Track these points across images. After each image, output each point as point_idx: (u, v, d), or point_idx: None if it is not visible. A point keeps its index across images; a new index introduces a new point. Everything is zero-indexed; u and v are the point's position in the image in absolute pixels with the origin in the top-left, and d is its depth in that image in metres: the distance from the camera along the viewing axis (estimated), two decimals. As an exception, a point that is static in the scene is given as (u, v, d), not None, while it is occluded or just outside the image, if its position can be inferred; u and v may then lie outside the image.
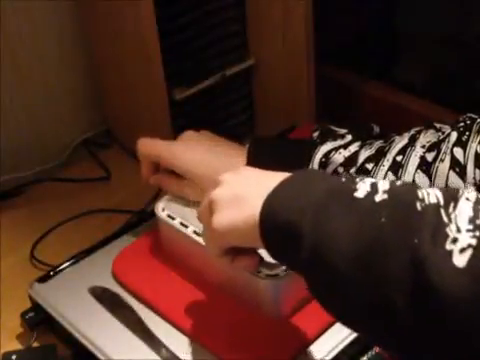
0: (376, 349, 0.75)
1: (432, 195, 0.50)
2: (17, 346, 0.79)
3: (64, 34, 1.03)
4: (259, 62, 1.06)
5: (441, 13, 1.01)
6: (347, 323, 0.56)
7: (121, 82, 1.02)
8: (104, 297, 0.80)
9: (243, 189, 0.62)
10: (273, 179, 0.60)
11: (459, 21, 1.01)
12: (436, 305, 0.46)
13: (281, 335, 0.73)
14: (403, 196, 0.51)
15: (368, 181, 0.54)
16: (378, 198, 0.52)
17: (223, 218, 0.62)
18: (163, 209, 0.81)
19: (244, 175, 0.65)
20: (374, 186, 0.53)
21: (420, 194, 0.51)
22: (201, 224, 0.72)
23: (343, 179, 0.56)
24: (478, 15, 0.98)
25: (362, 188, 0.53)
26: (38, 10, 0.99)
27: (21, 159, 1.03)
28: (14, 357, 0.75)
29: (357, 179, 0.55)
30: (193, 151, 0.81)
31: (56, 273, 0.83)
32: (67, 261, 0.84)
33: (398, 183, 0.54)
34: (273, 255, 0.61)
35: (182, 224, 0.79)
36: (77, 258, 0.85)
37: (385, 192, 0.52)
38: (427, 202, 0.50)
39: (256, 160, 0.80)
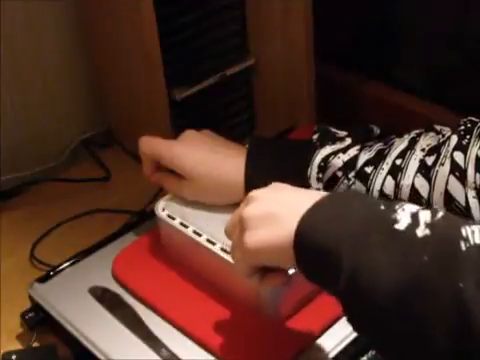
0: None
1: (477, 234, 0.49)
2: (17, 346, 0.79)
3: (64, 34, 1.03)
4: (259, 62, 1.06)
5: (441, 13, 1.01)
6: (381, 352, 0.56)
7: (121, 82, 1.02)
8: (104, 297, 0.80)
9: (276, 207, 0.61)
10: (308, 198, 0.59)
11: (459, 21, 1.01)
12: (478, 352, 0.46)
13: (281, 335, 0.73)
14: (446, 233, 0.50)
15: (408, 210, 0.53)
16: (420, 233, 0.51)
17: (256, 237, 0.61)
18: (163, 209, 0.81)
19: (276, 192, 0.64)
20: (415, 217, 0.52)
21: (464, 232, 0.50)
22: (208, 229, 0.73)
23: (382, 206, 0.55)
24: (478, 15, 0.98)
25: (403, 220, 0.52)
26: (38, 10, 0.99)
27: (21, 159, 1.03)
28: (14, 357, 0.75)
29: (396, 206, 0.54)
30: (193, 151, 0.81)
31: (56, 273, 0.83)
32: (67, 261, 0.84)
33: (440, 215, 0.52)
34: (308, 277, 0.60)
35: (182, 224, 0.79)
36: (77, 258, 0.85)
37: (427, 226, 0.51)
38: (472, 242, 0.49)
39: (255, 161, 0.80)
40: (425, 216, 0.52)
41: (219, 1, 0.99)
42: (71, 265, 0.84)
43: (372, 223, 0.54)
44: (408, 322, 0.49)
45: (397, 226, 0.52)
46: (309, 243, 0.57)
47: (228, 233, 0.68)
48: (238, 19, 1.02)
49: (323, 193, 0.61)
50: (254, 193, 0.64)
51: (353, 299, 0.53)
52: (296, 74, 1.04)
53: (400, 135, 0.79)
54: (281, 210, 0.60)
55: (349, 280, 0.52)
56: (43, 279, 0.82)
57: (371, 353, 0.74)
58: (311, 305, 0.75)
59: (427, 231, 0.51)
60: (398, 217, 0.53)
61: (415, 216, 0.52)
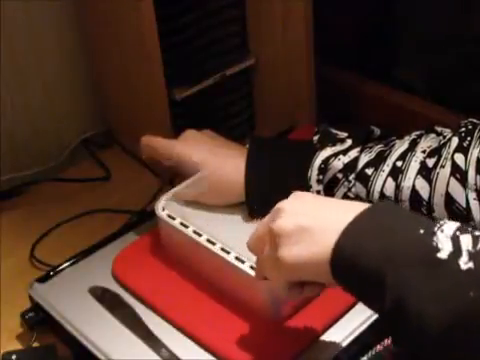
0: (376, 349, 0.75)
1: None
2: (17, 346, 0.79)
3: (64, 34, 1.03)
4: (259, 62, 1.06)
5: (441, 13, 1.01)
6: None
7: (121, 82, 1.02)
8: (104, 297, 0.80)
9: (310, 221, 0.60)
10: (340, 210, 0.59)
11: (459, 21, 1.01)
12: None
13: (281, 335, 0.73)
14: None
15: (447, 231, 0.53)
16: (463, 265, 0.50)
17: (293, 252, 0.60)
18: (163, 208, 0.81)
19: (306, 204, 0.63)
20: (456, 243, 0.52)
21: None
22: (208, 228, 0.73)
23: (421, 230, 0.54)
24: (478, 15, 0.98)
25: (445, 247, 0.52)
26: (38, 10, 0.99)
27: (21, 159, 1.03)
28: (14, 357, 0.75)
29: (435, 228, 0.53)
30: (193, 151, 0.81)
31: (56, 273, 0.83)
32: (67, 261, 0.85)
33: None
34: (348, 291, 0.59)
35: (182, 224, 0.79)
36: (77, 258, 0.85)
37: (470, 257, 0.51)
38: None
39: (255, 162, 0.80)
40: (467, 243, 0.52)
41: (219, 1, 0.99)
42: (71, 265, 0.84)
43: (414, 249, 0.53)
44: (454, 352, 0.50)
45: (439, 255, 0.52)
46: (350, 261, 0.56)
47: (253, 247, 0.67)
48: (238, 19, 1.02)
49: (351, 204, 0.60)
50: (281, 205, 0.63)
51: (399, 324, 0.53)
52: (296, 74, 1.04)
53: (400, 136, 0.79)
54: (315, 224, 0.60)
55: (394, 304, 0.52)
56: (43, 279, 0.82)
57: (371, 353, 0.74)
58: (311, 305, 0.75)
59: (471, 264, 0.50)
60: (439, 245, 0.52)
61: (456, 241, 0.52)
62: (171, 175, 0.99)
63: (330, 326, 0.74)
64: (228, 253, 0.74)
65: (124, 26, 0.93)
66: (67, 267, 0.84)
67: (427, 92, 1.05)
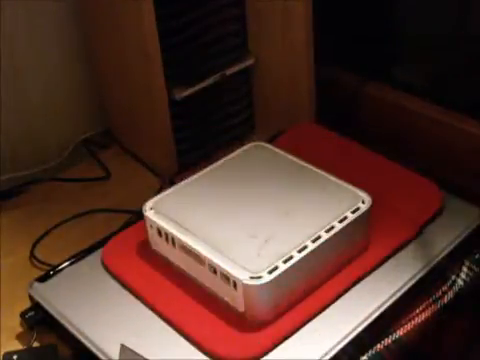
0: (376, 349, 0.75)
1: None
2: (17, 346, 0.79)
3: (64, 34, 1.03)
4: (259, 62, 1.06)
5: (441, 13, 1.01)
6: None
7: (121, 82, 1.02)
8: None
9: None
10: None
11: (459, 21, 1.01)
12: None
13: (267, 335, 0.73)
14: None
15: None
16: None
17: None
18: (151, 208, 0.81)
19: None
20: None
21: None
22: (194, 229, 0.71)
23: None
24: (478, 15, 0.98)
25: None
26: (38, 10, 0.99)
27: (21, 159, 1.03)
28: (15, 357, 0.75)
29: None
30: None
31: (56, 273, 0.83)
32: (67, 261, 0.85)
33: None
34: None
35: (169, 224, 0.78)
36: (77, 258, 0.85)
37: None
38: None
39: None
40: None
41: (219, 0, 0.99)
42: (71, 265, 0.84)
43: None
44: None
45: None
46: None
47: None
48: (238, 18, 1.03)
49: None
50: None
51: None
52: (296, 74, 1.04)
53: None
54: None
55: None
56: (43, 278, 0.82)
57: (371, 352, 0.74)
58: (298, 307, 0.75)
59: None
60: None
61: None
62: (171, 175, 0.99)
63: (329, 323, 0.74)
64: (213, 253, 0.74)
65: (124, 26, 0.93)
66: (67, 267, 0.84)
67: (427, 92, 1.05)
